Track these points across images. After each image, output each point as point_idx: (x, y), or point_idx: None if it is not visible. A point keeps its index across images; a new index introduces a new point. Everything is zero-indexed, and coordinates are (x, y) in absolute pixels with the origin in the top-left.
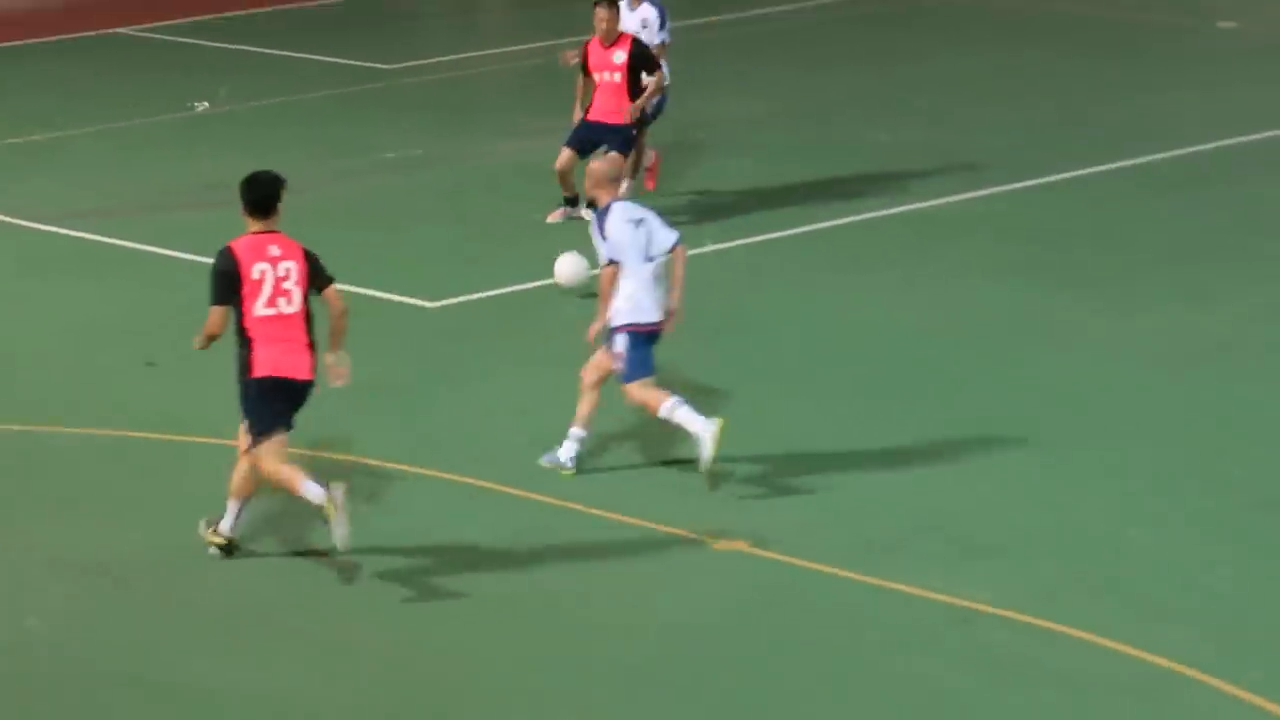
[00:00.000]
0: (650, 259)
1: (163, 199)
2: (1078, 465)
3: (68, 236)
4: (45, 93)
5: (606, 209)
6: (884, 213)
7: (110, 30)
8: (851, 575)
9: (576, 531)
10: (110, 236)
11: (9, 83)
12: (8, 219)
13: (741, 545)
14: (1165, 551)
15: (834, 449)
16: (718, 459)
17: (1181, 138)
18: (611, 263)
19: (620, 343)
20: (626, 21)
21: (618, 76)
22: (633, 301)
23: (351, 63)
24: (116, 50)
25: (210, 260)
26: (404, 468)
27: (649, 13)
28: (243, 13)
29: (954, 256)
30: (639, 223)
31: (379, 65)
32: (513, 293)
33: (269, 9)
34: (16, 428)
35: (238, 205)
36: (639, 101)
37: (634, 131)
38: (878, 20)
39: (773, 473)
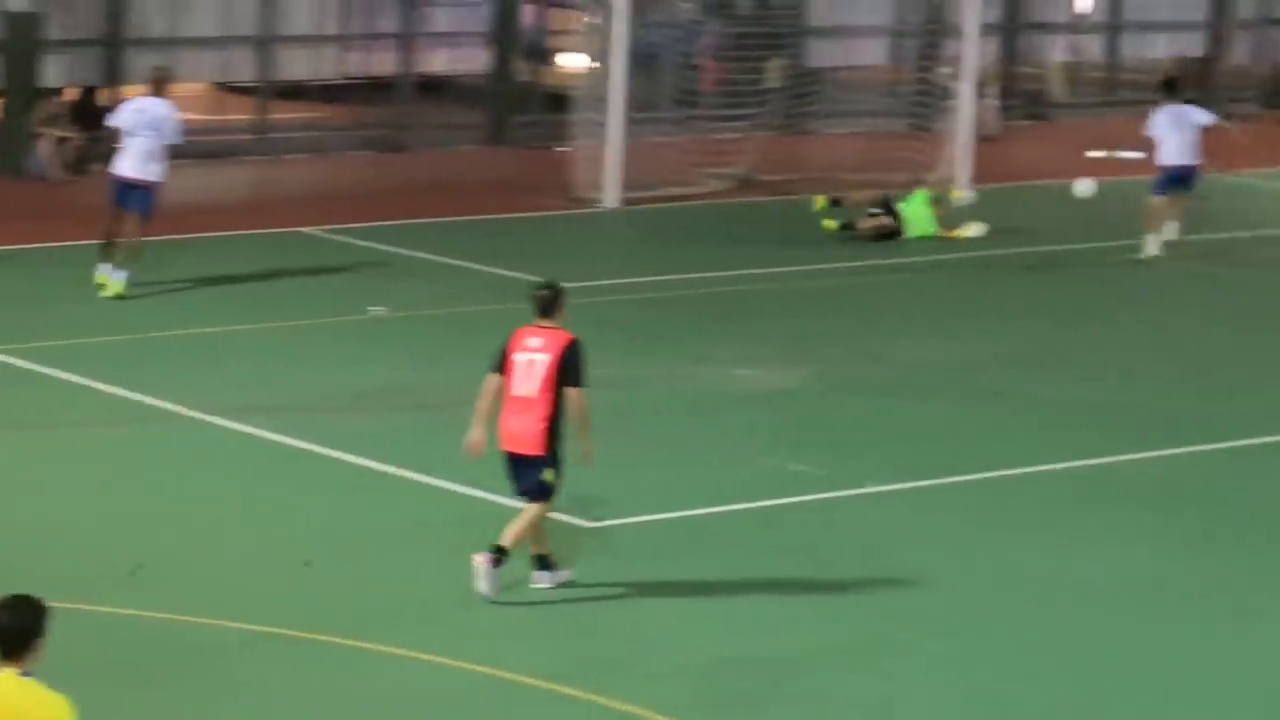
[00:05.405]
0: None
1: (323, 401)
2: None
3: (229, 430)
4: (218, 286)
5: None
6: (1047, 467)
7: (293, 228)
8: None
9: None
10: (271, 433)
11: (184, 276)
12: (175, 408)
13: None
14: None
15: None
16: None
17: None
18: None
19: None
20: None
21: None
22: None
23: (521, 276)
24: (296, 248)
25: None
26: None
27: None
28: (435, 220)
29: (1122, 518)
30: None
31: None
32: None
33: (459, 218)
34: (161, 615)
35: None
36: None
37: None
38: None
39: None
